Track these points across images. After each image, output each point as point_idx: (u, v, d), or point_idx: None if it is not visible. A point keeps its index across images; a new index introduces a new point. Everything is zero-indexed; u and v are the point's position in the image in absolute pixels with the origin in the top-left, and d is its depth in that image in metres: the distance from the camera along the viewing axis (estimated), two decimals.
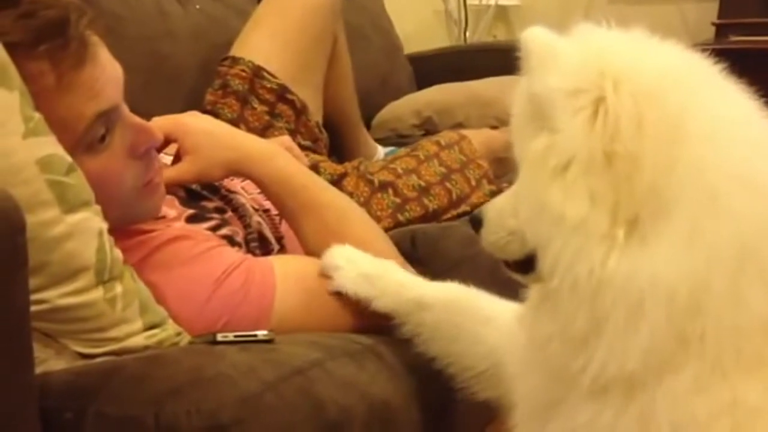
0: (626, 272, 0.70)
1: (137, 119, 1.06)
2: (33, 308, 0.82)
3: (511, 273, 0.86)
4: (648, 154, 0.70)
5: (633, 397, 0.73)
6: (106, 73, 1.00)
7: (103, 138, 1.00)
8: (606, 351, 0.72)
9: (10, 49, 0.88)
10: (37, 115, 0.90)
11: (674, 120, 0.71)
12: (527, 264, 0.81)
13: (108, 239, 0.95)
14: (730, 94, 0.75)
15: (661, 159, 0.70)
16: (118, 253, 0.96)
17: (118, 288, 0.94)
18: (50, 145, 0.90)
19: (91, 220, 0.93)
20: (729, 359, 0.70)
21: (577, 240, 0.72)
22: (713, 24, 2.94)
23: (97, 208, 0.95)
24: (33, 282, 0.85)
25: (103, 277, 0.93)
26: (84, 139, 0.98)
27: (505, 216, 0.84)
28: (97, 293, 0.92)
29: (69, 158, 0.92)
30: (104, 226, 0.95)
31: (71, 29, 0.95)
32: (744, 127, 0.74)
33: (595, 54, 0.74)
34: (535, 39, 0.75)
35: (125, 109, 1.04)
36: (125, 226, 1.04)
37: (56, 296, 0.90)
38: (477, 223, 0.87)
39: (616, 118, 0.70)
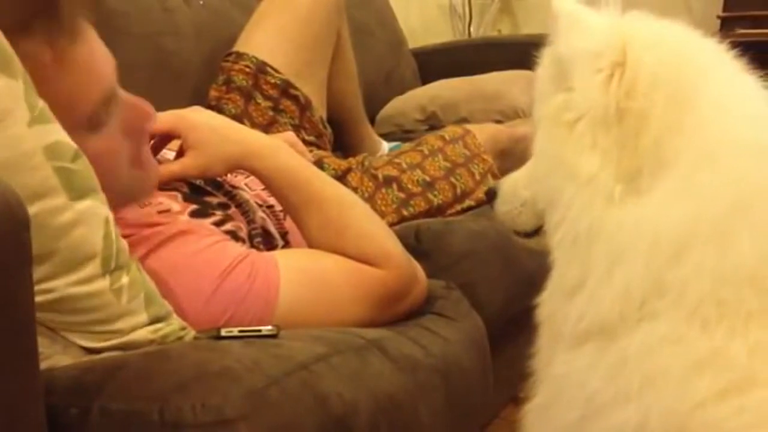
0: (616, 222, 0.74)
1: (131, 96, 1.06)
2: (40, 298, 0.82)
3: (519, 239, 0.92)
4: (658, 113, 0.74)
5: (608, 347, 0.73)
6: (101, 50, 1.01)
7: (103, 117, 1.01)
8: (585, 300, 0.75)
9: (4, 31, 0.88)
10: (41, 103, 0.90)
11: (687, 87, 0.76)
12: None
13: (114, 227, 0.95)
14: (739, 74, 0.80)
15: (670, 119, 0.74)
16: (123, 243, 0.96)
17: (125, 279, 0.94)
18: (55, 132, 0.91)
19: (98, 208, 0.93)
20: (709, 309, 0.69)
21: (585, 194, 0.76)
22: (718, 17, 2.93)
23: (103, 196, 0.95)
24: (41, 271, 0.86)
25: (110, 266, 0.93)
26: (88, 121, 0.99)
27: (518, 187, 0.89)
28: (104, 283, 0.92)
29: (74, 145, 0.92)
30: (110, 214, 0.95)
31: (62, 5, 0.95)
32: (748, 102, 0.78)
33: (621, 24, 0.80)
34: (565, 5, 0.81)
35: (119, 88, 1.05)
36: (124, 205, 1.05)
37: (63, 285, 0.90)
38: (492, 195, 0.93)
39: (633, 78, 0.75)
